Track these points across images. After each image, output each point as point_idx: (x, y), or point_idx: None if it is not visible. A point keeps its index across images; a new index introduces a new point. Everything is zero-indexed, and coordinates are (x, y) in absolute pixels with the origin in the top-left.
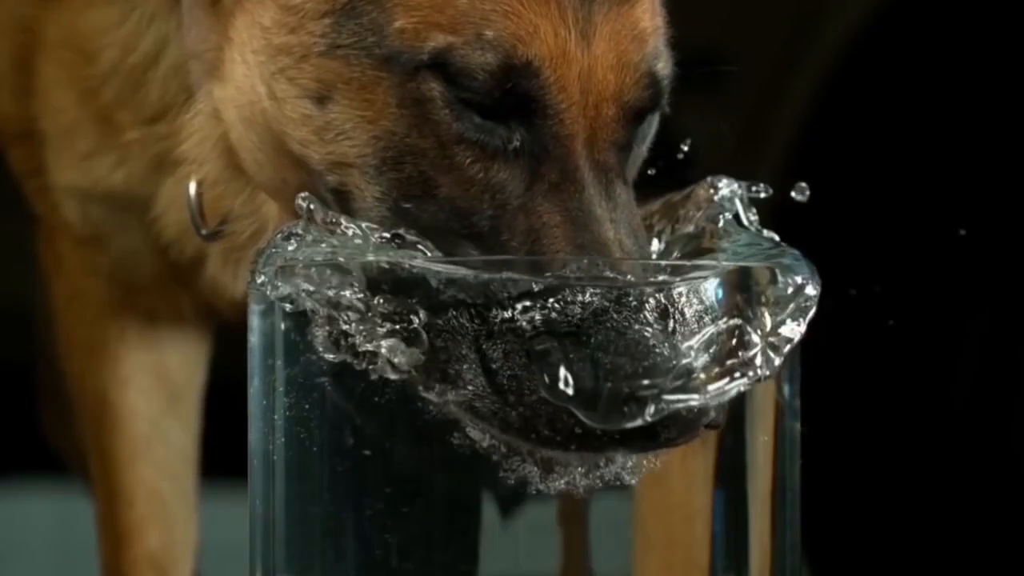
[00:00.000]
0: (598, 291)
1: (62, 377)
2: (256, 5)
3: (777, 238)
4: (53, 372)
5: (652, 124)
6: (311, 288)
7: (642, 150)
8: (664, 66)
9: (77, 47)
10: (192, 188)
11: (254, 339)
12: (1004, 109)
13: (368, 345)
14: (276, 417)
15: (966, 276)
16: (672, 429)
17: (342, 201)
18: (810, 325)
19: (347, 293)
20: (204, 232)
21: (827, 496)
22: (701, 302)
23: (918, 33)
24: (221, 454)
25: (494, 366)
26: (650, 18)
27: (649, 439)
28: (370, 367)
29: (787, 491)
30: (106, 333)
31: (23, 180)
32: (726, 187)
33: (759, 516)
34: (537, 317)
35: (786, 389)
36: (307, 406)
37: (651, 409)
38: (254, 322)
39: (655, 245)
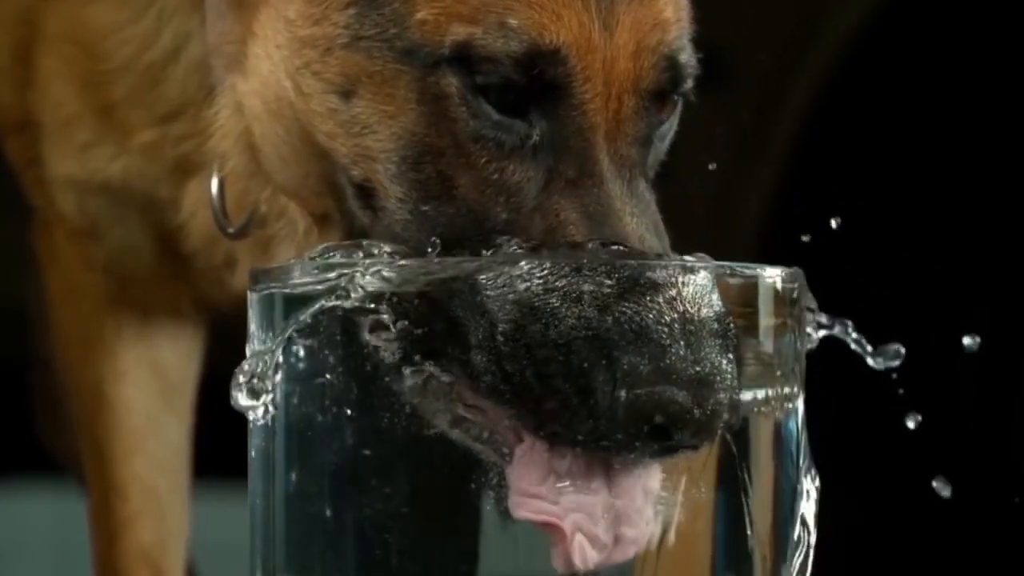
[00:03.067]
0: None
1: (57, 380)
2: None
3: None
4: (48, 376)
5: (673, 123)
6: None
7: (662, 148)
8: (688, 57)
9: (79, 40)
10: (214, 185)
11: (253, 332)
12: (1005, 108)
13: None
14: (276, 416)
15: (966, 276)
16: (687, 433)
17: (366, 198)
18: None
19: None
20: (231, 231)
21: (827, 496)
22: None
23: (919, 33)
24: (220, 453)
25: (513, 365)
26: (673, 11)
27: (665, 444)
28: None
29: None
30: (102, 327)
31: (20, 171)
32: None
33: (760, 516)
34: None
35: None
36: (307, 405)
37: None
38: (253, 315)
39: None
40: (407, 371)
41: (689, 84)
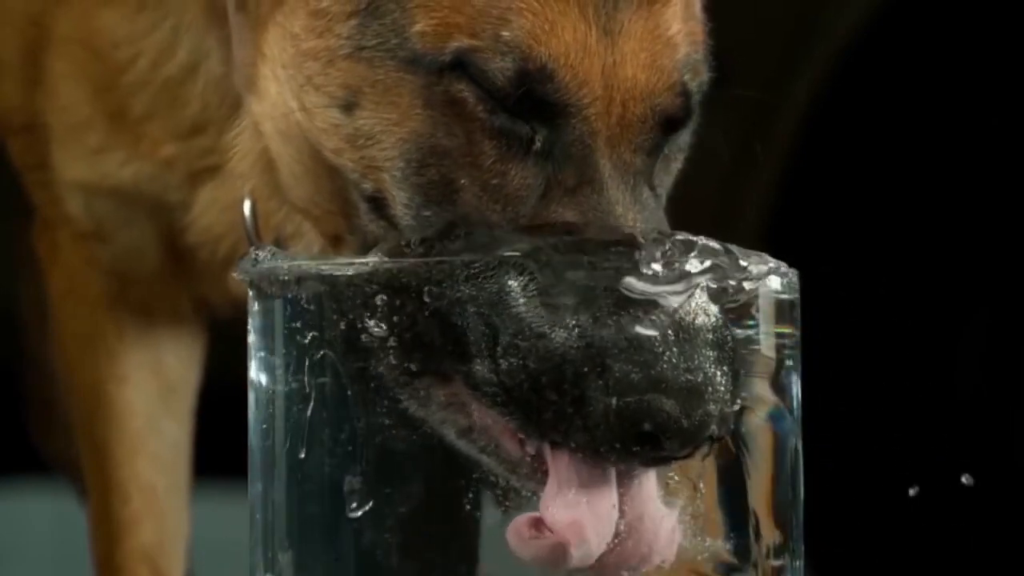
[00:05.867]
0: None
1: (49, 381)
2: (287, 16)
3: None
4: (40, 379)
5: (686, 134)
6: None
7: (677, 161)
8: (693, 78)
9: (90, 45)
10: (247, 207)
11: (253, 333)
12: (1005, 108)
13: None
14: (276, 415)
15: (966, 276)
16: (675, 442)
17: (379, 209)
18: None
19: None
20: None
21: (828, 496)
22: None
23: (920, 32)
24: (220, 453)
25: (508, 369)
26: (682, 22)
27: (653, 452)
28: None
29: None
30: (102, 327)
31: (23, 173)
32: None
33: (762, 516)
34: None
35: (788, 392)
36: (307, 403)
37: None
38: (253, 316)
39: None
40: (409, 380)
41: (697, 99)
